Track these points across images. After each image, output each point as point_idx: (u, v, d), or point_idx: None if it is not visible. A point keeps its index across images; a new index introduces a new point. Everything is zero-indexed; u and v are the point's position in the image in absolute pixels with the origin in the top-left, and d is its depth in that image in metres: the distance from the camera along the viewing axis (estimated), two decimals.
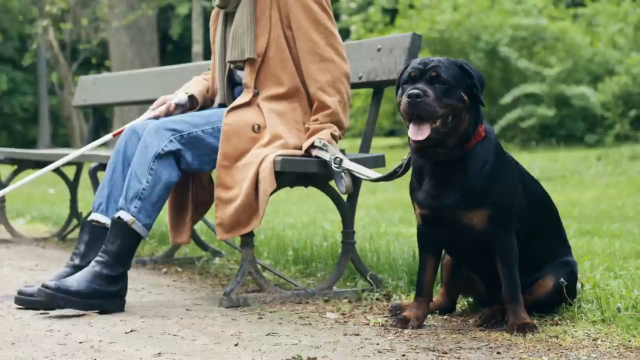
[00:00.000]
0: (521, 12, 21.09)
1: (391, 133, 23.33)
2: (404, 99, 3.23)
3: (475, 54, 19.72)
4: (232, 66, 4.16)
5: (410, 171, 3.55)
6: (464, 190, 3.32)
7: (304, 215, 8.12)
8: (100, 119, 7.07)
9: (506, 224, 3.37)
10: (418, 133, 3.23)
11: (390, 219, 7.69)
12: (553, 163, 13.56)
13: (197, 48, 14.47)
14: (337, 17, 25.12)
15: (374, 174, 3.82)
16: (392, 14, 24.47)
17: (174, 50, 34.84)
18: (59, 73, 25.95)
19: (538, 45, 19.85)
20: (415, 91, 3.21)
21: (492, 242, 3.37)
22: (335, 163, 3.82)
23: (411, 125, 3.25)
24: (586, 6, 22.93)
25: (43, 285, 3.69)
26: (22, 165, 6.53)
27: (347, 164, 3.84)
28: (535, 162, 13.20)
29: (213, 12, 4.33)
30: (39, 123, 34.65)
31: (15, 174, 6.56)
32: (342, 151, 3.93)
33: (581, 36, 20.10)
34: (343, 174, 3.82)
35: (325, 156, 3.85)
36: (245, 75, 4.07)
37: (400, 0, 22.48)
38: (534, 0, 21.43)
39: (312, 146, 3.90)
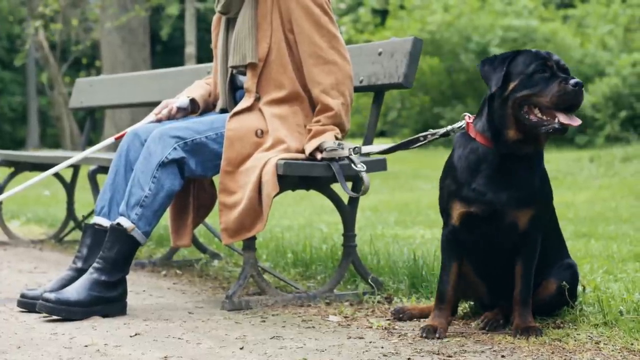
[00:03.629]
0: (512, 13, 21.17)
1: (381, 134, 23.38)
2: (569, 87, 3.17)
3: (466, 54, 19.78)
4: (234, 71, 4.17)
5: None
6: (528, 187, 3.31)
7: (299, 217, 8.13)
8: (93, 121, 7.06)
9: (542, 224, 3.37)
10: (574, 119, 3.22)
11: (385, 221, 7.71)
12: (545, 164, 13.57)
13: (190, 49, 14.46)
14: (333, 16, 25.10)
15: (389, 145, 3.88)
16: (382, 14, 24.50)
17: (163, 50, 34.81)
18: (48, 73, 25.89)
19: (528, 46, 19.91)
20: (581, 81, 3.19)
21: (523, 242, 3.36)
22: (354, 153, 3.86)
23: (562, 114, 3.20)
24: (576, 7, 23.00)
25: (43, 299, 3.69)
26: (19, 167, 6.51)
27: (366, 149, 3.91)
28: None
29: (215, 18, 4.34)
30: (28, 123, 34.58)
31: (11, 176, 6.54)
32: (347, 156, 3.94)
33: (571, 37, 20.18)
34: (363, 173, 3.84)
35: (344, 152, 3.86)
36: (246, 80, 4.08)
37: (390, 1, 22.51)
38: (525, 1, 21.51)
39: (318, 149, 3.91)
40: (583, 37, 20.85)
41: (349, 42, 20.92)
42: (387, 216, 8.15)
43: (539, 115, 3.23)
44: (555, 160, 14.15)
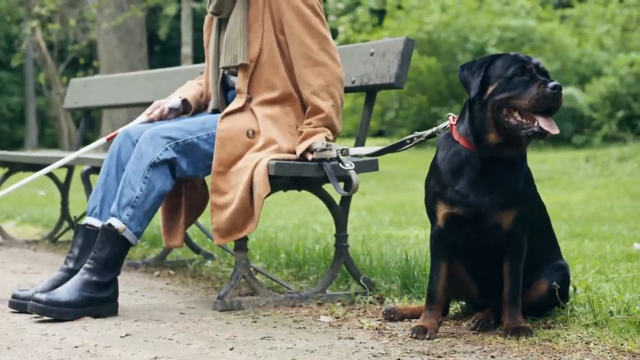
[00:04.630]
0: (509, 13, 21.18)
1: (379, 134, 23.40)
2: (547, 90, 3.16)
3: (463, 54, 19.78)
4: (225, 72, 4.17)
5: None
6: (511, 189, 3.30)
7: (294, 217, 8.14)
8: (89, 121, 7.06)
9: (526, 224, 3.37)
10: (553, 126, 3.20)
11: (380, 221, 7.71)
12: (542, 164, 13.60)
13: (186, 49, 14.46)
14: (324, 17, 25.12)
15: (378, 148, 3.90)
16: (380, 14, 24.51)
17: (161, 50, 34.82)
18: (46, 73, 25.89)
19: (526, 46, 19.93)
20: (560, 83, 3.18)
21: (508, 242, 3.36)
22: (342, 154, 3.86)
23: (542, 119, 3.20)
24: (574, 7, 23.02)
25: (34, 300, 3.69)
26: (13, 167, 6.51)
27: (353, 151, 3.93)
28: None
29: (207, 18, 4.34)
30: (26, 123, 34.58)
31: (6, 176, 6.54)
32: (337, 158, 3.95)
33: (569, 37, 20.19)
34: (351, 172, 3.85)
35: (332, 154, 3.87)
36: (238, 81, 4.08)
37: (388, 1, 22.52)
38: (522, 1, 21.52)
39: (308, 150, 3.92)
40: (580, 37, 20.86)
41: (346, 42, 20.93)
42: (382, 216, 8.15)
43: (519, 118, 3.23)
44: (551, 161, 14.16)
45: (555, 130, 3.20)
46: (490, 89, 3.27)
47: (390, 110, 21.58)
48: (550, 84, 3.18)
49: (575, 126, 17.98)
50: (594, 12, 21.46)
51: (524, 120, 3.22)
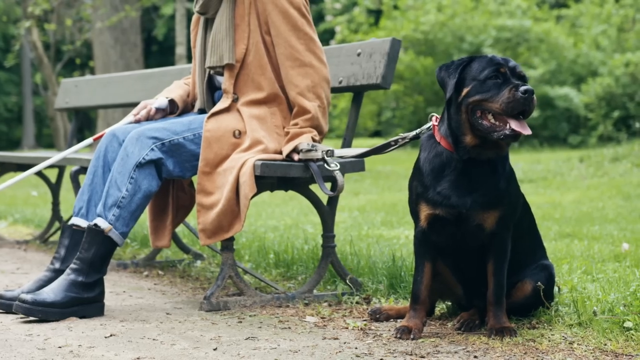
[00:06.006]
0: (505, 13, 21.17)
1: (375, 134, 23.39)
2: (518, 94, 3.17)
3: (459, 55, 19.78)
4: (211, 72, 4.17)
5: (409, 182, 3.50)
6: (492, 190, 3.31)
7: (286, 218, 8.14)
8: (85, 120, 7.07)
9: (510, 224, 3.37)
10: (525, 127, 3.21)
11: (372, 221, 7.71)
12: (535, 164, 13.60)
13: (180, 50, 14.47)
14: (321, 17, 25.13)
15: (364, 149, 3.90)
16: (376, 15, 24.52)
17: (158, 50, 34.82)
18: (42, 73, 25.89)
19: (522, 46, 19.92)
20: (531, 88, 3.19)
21: (492, 242, 3.36)
22: (328, 155, 3.86)
23: (514, 121, 3.20)
24: (570, 7, 23.02)
25: (20, 300, 3.69)
26: (4, 168, 6.51)
27: (339, 152, 3.93)
28: (518, 163, 13.26)
29: (194, 18, 4.34)
30: (23, 123, 34.57)
31: None
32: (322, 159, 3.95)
33: (565, 37, 20.18)
34: (337, 172, 3.85)
35: (317, 154, 3.87)
36: (224, 81, 4.09)
37: (384, 2, 22.51)
38: (518, 1, 21.51)
39: (295, 151, 3.92)
40: (576, 37, 20.86)
41: (343, 42, 20.91)
42: (374, 216, 8.15)
43: (492, 120, 3.24)
44: (545, 161, 14.16)
45: (526, 131, 3.21)
46: (464, 91, 3.28)
47: (387, 111, 21.59)
48: (522, 88, 3.19)
49: (571, 126, 17.98)
50: (590, 13, 21.46)
51: (497, 123, 3.23)
